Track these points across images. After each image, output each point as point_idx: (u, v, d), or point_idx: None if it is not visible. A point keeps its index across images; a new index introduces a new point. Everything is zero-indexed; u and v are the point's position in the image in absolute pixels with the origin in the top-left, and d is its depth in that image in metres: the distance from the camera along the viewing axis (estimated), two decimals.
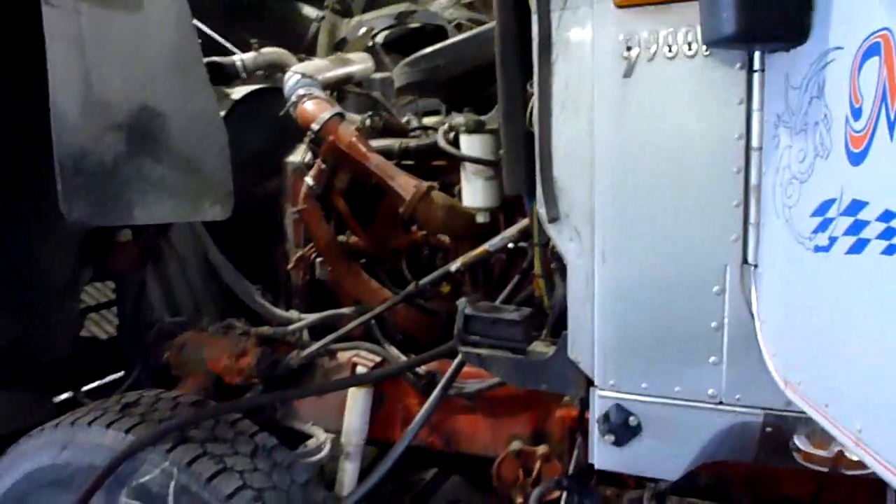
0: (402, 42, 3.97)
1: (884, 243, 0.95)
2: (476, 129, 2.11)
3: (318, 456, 2.37)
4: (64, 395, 2.87)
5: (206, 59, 2.42)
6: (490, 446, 2.41)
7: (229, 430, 2.03)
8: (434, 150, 2.44)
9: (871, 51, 0.97)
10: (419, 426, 2.12)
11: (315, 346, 2.53)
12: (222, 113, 2.80)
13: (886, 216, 0.94)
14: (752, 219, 1.37)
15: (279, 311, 2.69)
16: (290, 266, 2.70)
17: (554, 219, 1.54)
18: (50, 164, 1.72)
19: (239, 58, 2.93)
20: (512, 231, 2.17)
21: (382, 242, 2.64)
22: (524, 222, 2.15)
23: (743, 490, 1.94)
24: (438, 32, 3.67)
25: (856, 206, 1.01)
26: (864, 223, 0.99)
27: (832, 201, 1.08)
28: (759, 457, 1.53)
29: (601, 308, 1.52)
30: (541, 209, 1.56)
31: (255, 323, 2.73)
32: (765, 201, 1.34)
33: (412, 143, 2.62)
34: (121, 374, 3.06)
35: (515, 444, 2.32)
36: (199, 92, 2.03)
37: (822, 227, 1.10)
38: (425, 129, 3.20)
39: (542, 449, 2.28)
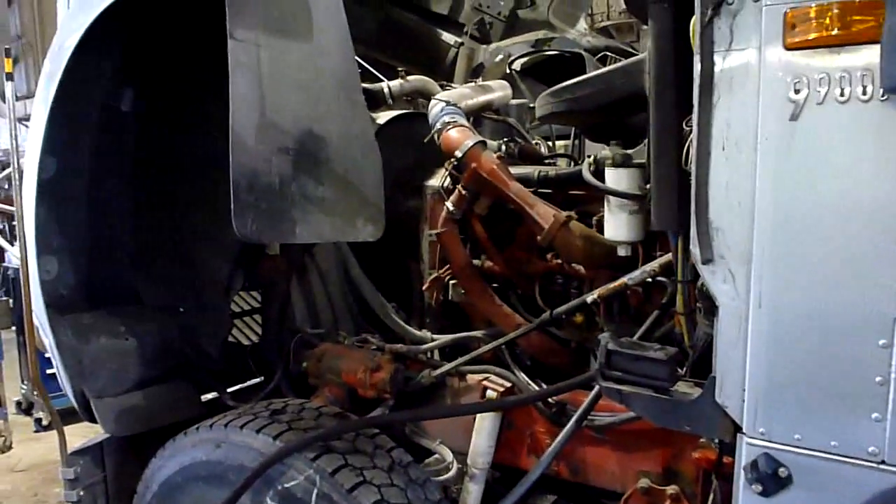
0: (538, 69, 4.03)
1: None
2: (623, 163, 2.11)
3: (447, 476, 2.42)
4: (210, 395, 3.08)
5: None
6: (617, 480, 2.39)
7: (369, 443, 2.12)
8: (574, 179, 2.46)
9: None
10: (552, 457, 2.13)
11: (447, 366, 2.59)
12: None
13: None
14: None
15: (413, 330, 2.78)
16: (424, 287, 2.79)
17: (708, 260, 1.52)
18: (218, 181, 1.87)
19: (386, 84, 3.07)
20: (653, 265, 2.15)
21: (517, 268, 2.68)
22: (666, 257, 2.13)
23: None
24: (576, 60, 3.69)
25: None
26: None
27: None
28: None
29: (754, 352, 1.49)
30: (694, 249, 1.54)
31: (389, 339, 2.83)
32: None
33: (552, 171, 2.64)
34: (261, 379, 3.25)
35: (644, 482, 2.28)
36: (358, 116, 2.15)
37: None
38: (562, 156, 3.23)
39: (672, 489, 2.23)
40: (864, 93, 1.34)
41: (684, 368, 1.87)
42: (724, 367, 1.54)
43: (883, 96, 1.32)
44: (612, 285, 2.20)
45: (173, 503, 2.29)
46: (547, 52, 4.00)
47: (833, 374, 1.42)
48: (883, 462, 1.40)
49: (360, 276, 2.81)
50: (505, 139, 3.06)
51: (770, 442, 1.49)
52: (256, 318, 3.40)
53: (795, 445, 1.47)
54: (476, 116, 3.26)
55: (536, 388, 2.48)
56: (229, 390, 3.06)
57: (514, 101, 3.48)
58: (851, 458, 1.42)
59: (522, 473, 2.79)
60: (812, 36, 1.36)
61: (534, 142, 3.36)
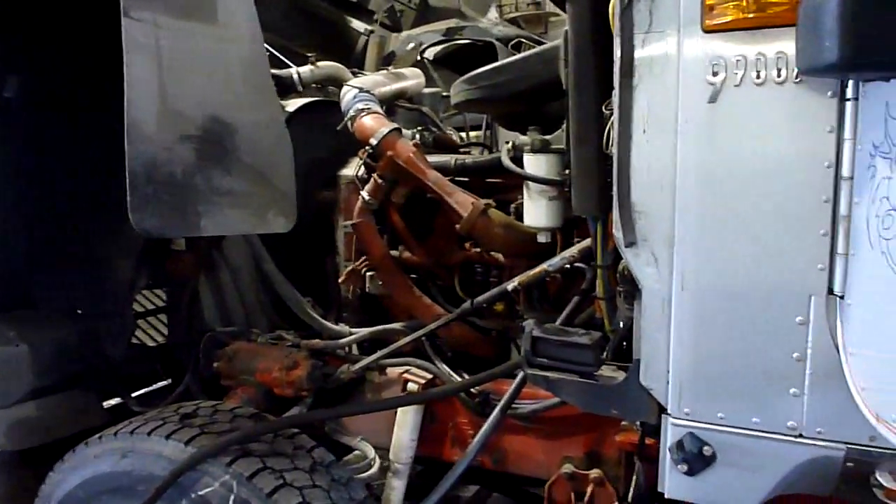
0: (450, 58, 4.00)
1: None
2: (542, 149, 2.10)
3: (369, 472, 2.36)
4: (114, 401, 2.90)
5: None
6: (542, 467, 2.39)
7: (288, 444, 2.03)
8: (492, 167, 2.44)
9: None
10: (478, 448, 2.11)
11: (366, 360, 2.53)
12: None
13: None
14: (840, 249, 1.34)
15: (330, 325, 2.70)
16: (341, 280, 2.71)
17: (631, 243, 1.52)
18: (116, 173, 1.73)
19: (296, 71, 2.96)
20: (572, 251, 2.15)
21: (436, 258, 2.64)
22: (585, 243, 2.13)
23: None
24: (487, 49, 3.68)
25: None
26: None
27: None
28: (839, 491, 1.49)
29: (677, 334, 1.50)
30: (617, 233, 1.54)
31: (305, 336, 2.74)
32: (856, 232, 1.31)
33: (469, 160, 2.62)
34: (168, 381, 3.08)
35: (568, 467, 2.29)
36: (268, 104, 2.05)
37: None
38: (476, 145, 3.22)
39: (595, 473, 2.25)
40: (779, 75, 1.36)
41: (606, 353, 1.88)
42: (647, 349, 1.55)
43: (797, 78, 1.35)
44: (532, 272, 2.19)
45: None
46: (459, 41, 3.97)
47: (753, 352, 1.44)
48: (801, 435, 1.44)
49: (273, 271, 2.70)
50: (419, 128, 3.02)
51: (694, 422, 1.51)
52: (162, 318, 3.22)
53: (719, 424, 1.49)
54: (389, 105, 3.21)
55: (458, 379, 2.44)
56: (134, 395, 2.89)
57: (427, 90, 3.44)
58: (772, 433, 1.46)
59: (446, 466, 2.76)
60: (729, 19, 1.38)
61: (449, 133, 3.33)
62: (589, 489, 2.24)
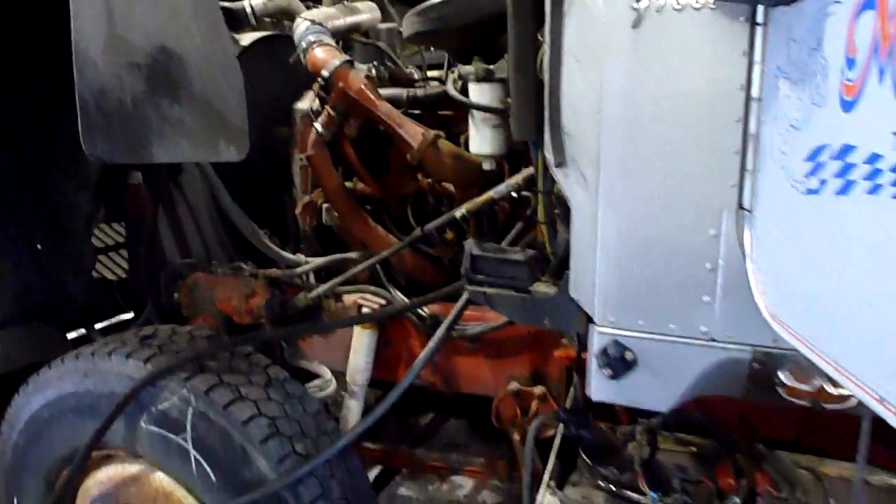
0: None
1: (868, 184, 1.03)
2: (485, 77, 2.17)
3: (325, 392, 2.47)
4: (77, 333, 2.97)
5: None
6: (490, 387, 2.52)
7: (244, 362, 2.13)
8: (442, 99, 2.50)
9: (868, 4, 1.03)
10: (423, 364, 2.22)
11: (322, 288, 2.61)
12: None
13: (872, 158, 1.02)
14: (748, 166, 1.44)
15: (287, 254, 2.77)
16: (297, 211, 2.77)
17: (560, 164, 1.61)
18: (69, 103, 1.77)
19: (248, 3, 2.96)
20: (517, 179, 2.24)
21: (389, 190, 2.71)
22: (528, 170, 2.22)
23: (732, 429, 2.03)
24: None
25: (845, 150, 1.09)
26: (852, 166, 1.07)
27: (824, 146, 1.15)
28: (749, 392, 1.62)
29: (603, 249, 1.60)
30: (548, 154, 1.63)
31: (264, 267, 2.81)
32: (762, 149, 1.41)
33: (420, 92, 2.67)
34: (131, 314, 3.15)
35: (513, 385, 2.43)
36: (216, 34, 2.08)
37: (815, 171, 1.18)
38: (432, 80, 3.25)
39: (538, 389, 2.39)
40: (697, 1, 1.44)
41: (547, 273, 1.99)
42: (577, 264, 1.66)
43: (713, 4, 1.42)
44: (478, 200, 2.28)
45: (42, 439, 2.22)
46: None
47: (671, 264, 1.55)
48: (713, 339, 1.56)
49: (229, 204, 2.75)
50: (375, 62, 3.05)
51: (618, 329, 1.62)
52: (123, 253, 3.27)
53: (639, 331, 1.61)
54: (345, 40, 3.22)
55: None
56: (98, 326, 2.95)
57: (383, 26, 3.45)
58: (687, 338, 1.58)
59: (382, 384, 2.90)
60: None
61: (409, 70, 3.35)
62: (533, 405, 2.38)
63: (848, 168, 1.09)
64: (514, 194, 2.37)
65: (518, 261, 1.77)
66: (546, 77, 1.60)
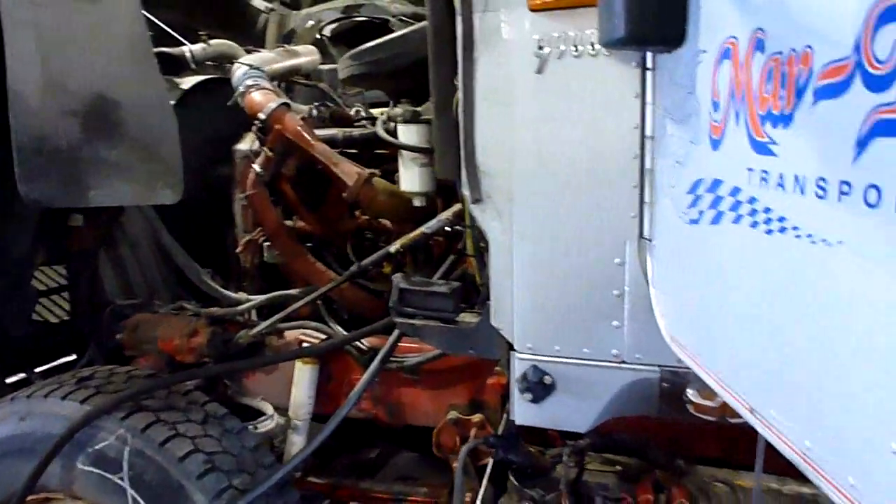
0: (348, 34, 4.11)
1: (733, 214, 1.14)
2: (412, 119, 2.27)
3: (267, 427, 2.50)
4: (17, 377, 2.95)
5: (155, 50, 2.54)
6: (431, 417, 2.58)
7: (181, 399, 2.16)
8: (376, 139, 2.60)
9: (725, 54, 1.16)
10: (358, 394, 2.28)
11: (263, 325, 2.66)
12: (172, 102, 2.92)
13: (734, 191, 1.13)
14: (646, 198, 1.56)
15: (228, 293, 2.82)
16: (238, 249, 2.83)
17: (477, 200, 1.71)
18: (5, 147, 1.82)
19: (188, 49, 3.04)
20: (447, 214, 2.33)
21: (328, 227, 2.79)
22: (458, 206, 2.32)
23: (659, 448, 2.12)
24: (384, 26, 3.81)
25: (715, 184, 1.20)
26: (721, 198, 1.18)
27: (701, 181, 1.27)
28: (662, 410, 1.72)
29: (519, 280, 1.70)
30: (465, 191, 1.73)
31: (208, 306, 2.85)
32: (657, 183, 1.53)
33: (356, 132, 2.76)
34: (73, 357, 3.14)
35: (453, 414, 2.49)
36: (150, 80, 2.15)
37: (694, 203, 1.30)
38: (369, 119, 3.36)
39: (477, 417, 2.45)
40: (593, 49, 1.57)
41: (476, 304, 2.07)
42: (496, 294, 1.75)
43: (607, 51, 1.55)
44: (411, 235, 2.36)
45: None
46: (356, 19, 4.08)
47: (581, 291, 1.66)
48: (623, 361, 1.66)
49: (171, 243, 2.79)
50: (316, 104, 3.14)
51: (536, 355, 1.72)
52: (65, 296, 3.27)
53: (556, 356, 1.70)
54: (287, 82, 3.32)
55: None
56: (38, 370, 2.94)
57: (325, 67, 3.55)
58: (599, 361, 1.68)
59: (348, 423, 2.94)
60: None
61: (354, 109, 3.45)
62: (472, 433, 2.45)
63: (718, 200, 1.20)
64: (448, 229, 2.46)
65: (443, 293, 1.85)
66: (461, 119, 1.70)
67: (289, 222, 2.80)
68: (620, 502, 1.81)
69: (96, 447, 1.99)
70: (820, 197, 0.90)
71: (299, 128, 2.56)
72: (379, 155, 2.71)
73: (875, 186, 0.79)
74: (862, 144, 0.81)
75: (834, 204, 0.87)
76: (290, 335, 2.71)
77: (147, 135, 2.12)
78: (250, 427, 2.47)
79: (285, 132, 2.56)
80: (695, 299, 1.36)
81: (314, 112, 2.97)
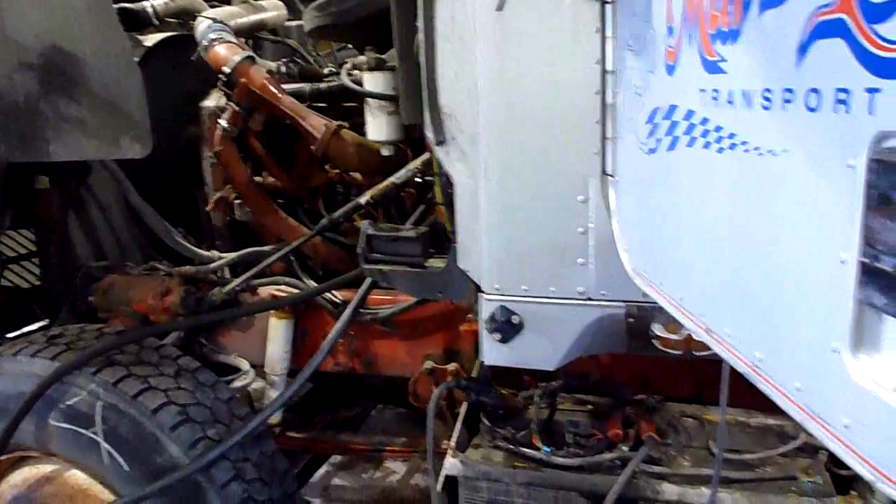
0: None
1: (686, 138, 1.15)
2: (377, 66, 2.25)
3: (243, 382, 2.51)
4: None
5: (116, 6, 2.49)
6: (407, 367, 2.60)
7: (153, 354, 2.16)
8: (345, 91, 2.57)
9: None
10: (332, 343, 2.29)
11: (236, 282, 2.65)
12: (136, 59, 2.87)
13: (688, 115, 1.14)
14: (608, 134, 1.56)
15: (200, 251, 2.80)
16: (209, 208, 2.80)
17: (441, 142, 1.71)
18: None
19: (150, 3, 2.97)
20: (416, 163, 2.33)
21: (299, 182, 2.77)
22: (427, 155, 2.31)
23: (630, 386, 2.15)
24: None
25: (671, 109, 1.21)
26: (676, 123, 1.19)
27: (657, 109, 1.27)
28: (630, 346, 1.74)
29: (486, 221, 1.71)
30: (429, 134, 1.72)
31: (180, 265, 2.83)
32: (618, 118, 1.53)
33: (323, 85, 2.73)
34: (46, 322, 3.12)
35: (428, 364, 2.51)
36: (113, 35, 2.11)
37: (652, 132, 1.30)
38: (338, 73, 3.31)
39: (452, 366, 2.47)
40: None
41: (447, 250, 2.08)
42: (462, 236, 1.75)
43: None
44: (381, 186, 2.36)
45: None
46: None
47: (547, 230, 1.66)
48: (590, 298, 1.68)
49: (140, 203, 2.76)
50: (285, 60, 3.09)
51: (503, 296, 1.73)
52: (35, 261, 3.23)
53: (523, 295, 1.72)
54: (254, 38, 3.27)
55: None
56: (10, 335, 2.92)
57: (295, 23, 3.49)
58: (566, 298, 1.69)
59: (330, 379, 2.96)
60: None
61: (327, 69, 3.40)
62: (449, 381, 2.46)
63: (673, 126, 1.20)
64: (419, 180, 2.45)
65: (410, 237, 1.85)
66: (422, 60, 1.69)
67: (259, 178, 2.78)
68: (590, 438, 1.84)
69: (69, 403, 1.99)
70: (766, 108, 0.90)
71: (266, 81, 2.52)
72: (348, 108, 2.69)
73: (815, 90, 0.80)
74: (803, 49, 0.82)
75: (778, 113, 0.88)
76: (264, 291, 2.70)
77: (109, 89, 2.09)
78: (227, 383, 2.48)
79: (251, 86, 2.52)
80: (654, 229, 1.37)
81: (283, 68, 2.93)
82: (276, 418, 2.69)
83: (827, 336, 0.81)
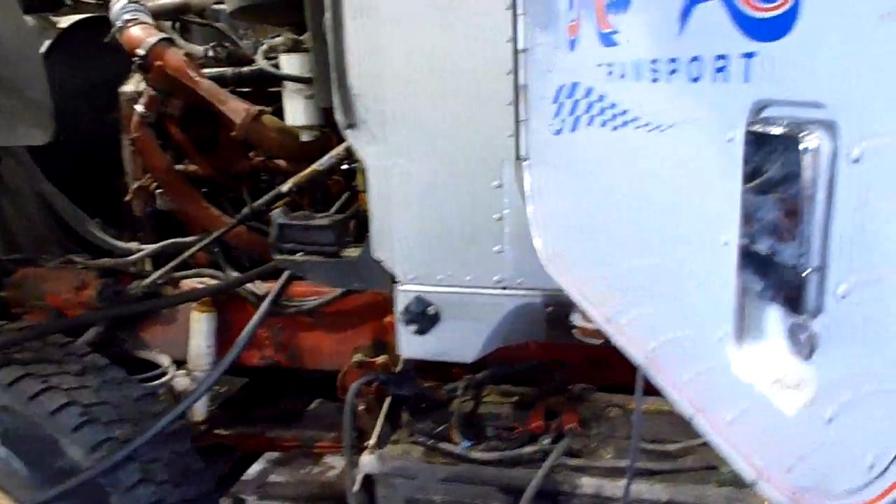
0: None
1: (587, 117, 1.09)
2: (293, 47, 2.15)
3: (162, 379, 2.40)
4: None
5: None
6: (336, 360, 2.51)
7: (58, 351, 2.04)
8: (267, 75, 2.46)
9: None
10: (247, 337, 2.20)
11: (155, 274, 2.54)
12: (48, 42, 2.72)
13: (588, 92, 1.08)
14: (522, 116, 1.50)
15: (118, 243, 2.67)
16: (128, 197, 2.68)
17: (351, 125, 1.62)
18: None
19: None
20: (339, 150, 2.23)
21: (223, 169, 2.66)
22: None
23: (555, 376, 2.10)
24: None
25: (573, 87, 1.15)
26: (577, 102, 1.13)
27: (562, 87, 1.21)
28: (550, 335, 1.69)
29: (398, 207, 1.63)
30: (339, 117, 1.64)
31: (99, 258, 2.70)
32: (531, 99, 1.47)
33: (246, 69, 2.62)
34: None
35: (357, 356, 2.43)
36: (7, 14, 1.97)
37: (558, 111, 1.24)
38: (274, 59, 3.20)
39: (381, 359, 2.39)
40: None
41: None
42: (376, 223, 1.68)
43: None
44: (303, 173, 2.26)
45: None
46: None
47: (461, 217, 1.60)
48: (506, 287, 1.62)
49: (52, 192, 2.62)
50: (213, 44, 2.97)
51: (418, 285, 1.66)
52: None
53: (439, 285, 1.65)
54: (180, 21, 3.13)
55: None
56: None
57: (222, 6, 3.36)
58: (483, 287, 1.63)
59: (250, 371, 2.86)
60: None
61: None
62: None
63: (575, 105, 1.14)
64: (346, 166, 2.36)
65: (323, 225, 1.77)
66: (329, 39, 1.60)
67: (180, 166, 2.66)
68: (512, 431, 1.78)
69: None
70: (654, 81, 0.84)
71: (182, 64, 2.40)
72: (273, 93, 2.58)
73: (697, 58, 0.74)
74: (685, 14, 0.76)
75: (664, 86, 0.82)
76: (186, 284, 2.59)
77: (9, 75, 1.96)
78: (150, 382, 2.37)
79: (167, 69, 2.40)
80: (562, 215, 1.31)
81: (210, 52, 2.81)
82: (200, 415, 2.59)
83: (712, 325, 0.76)
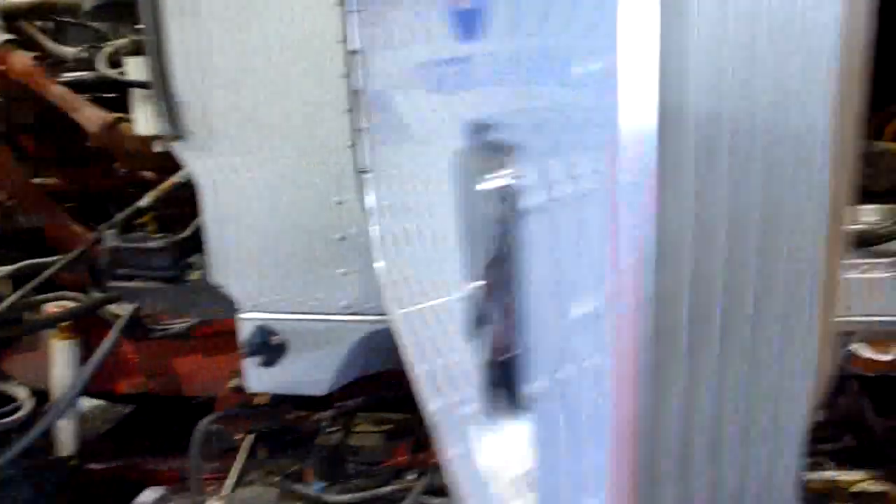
0: None
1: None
2: (137, 50, 1.96)
3: (17, 415, 2.19)
4: None
5: None
6: (212, 386, 2.34)
7: None
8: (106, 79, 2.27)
9: None
10: (91, 369, 2.02)
11: (12, 298, 2.31)
12: None
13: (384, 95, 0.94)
14: (362, 124, 1.36)
15: None
16: None
17: (177, 136, 1.46)
18: None
19: None
20: None
21: (87, 182, 2.45)
22: None
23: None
24: None
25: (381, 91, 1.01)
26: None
27: (378, 91, 1.07)
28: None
29: (233, 226, 1.48)
30: (164, 127, 1.47)
31: None
32: (369, 105, 1.32)
33: (112, 73, 2.41)
34: None
35: (234, 381, 2.25)
36: None
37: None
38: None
39: None
40: None
41: None
42: (213, 246, 1.51)
43: None
44: (161, 187, 2.07)
45: None
46: None
47: (301, 237, 1.45)
48: (355, 313, 1.47)
49: None
50: (87, 45, 2.75)
51: (261, 313, 1.50)
52: None
53: (283, 312, 1.50)
54: (56, 21, 2.90)
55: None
56: None
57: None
58: (329, 314, 1.48)
59: (123, 399, 2.66)
60: None
61: None
62: (257, 400, 2.23)
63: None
64: None
65: (158, 248, 1.60)
66: (146, 41, 1.43)
67: (38, 179, 2.44)
68: (375, 466, 1.64)
69: None
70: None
71: (28, 68, 2.18)
72: None
73: None
74: None
75: None
76: (49, 308, 2.38)
77: None
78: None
79: (12, 74, 2.18)
80: (394, 234, 1.17)
81: (83, 55, 2.59)
82: (68, 450, 2.38)
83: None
